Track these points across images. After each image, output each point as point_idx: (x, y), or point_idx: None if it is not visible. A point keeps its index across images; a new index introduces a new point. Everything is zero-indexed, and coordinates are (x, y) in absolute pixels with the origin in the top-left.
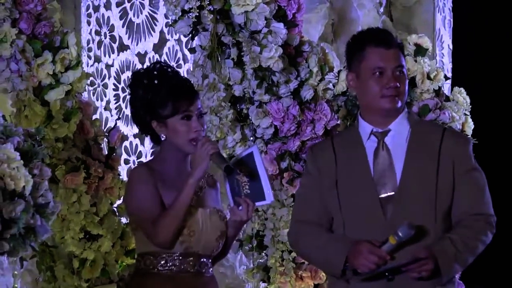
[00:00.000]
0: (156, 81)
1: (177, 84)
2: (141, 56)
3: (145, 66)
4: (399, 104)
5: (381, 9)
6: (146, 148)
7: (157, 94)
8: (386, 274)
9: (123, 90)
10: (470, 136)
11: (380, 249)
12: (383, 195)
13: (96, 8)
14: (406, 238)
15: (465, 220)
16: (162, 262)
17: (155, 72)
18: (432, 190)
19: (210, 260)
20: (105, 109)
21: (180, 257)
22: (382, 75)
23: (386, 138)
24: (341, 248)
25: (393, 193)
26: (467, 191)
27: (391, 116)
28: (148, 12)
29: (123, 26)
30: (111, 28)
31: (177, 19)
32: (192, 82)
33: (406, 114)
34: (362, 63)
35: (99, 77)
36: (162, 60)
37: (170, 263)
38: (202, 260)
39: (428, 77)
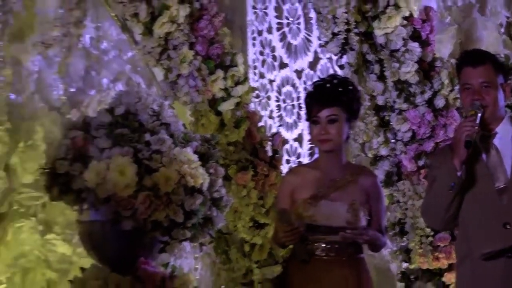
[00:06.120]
0: (310, 88)
1: (314, 92)
2: (298, 73)
3: (301, 82)
4: (487, 112)
5: (502, 30)
6: (304, 150)
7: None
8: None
9: (284, 102)
10: None
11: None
12: (498, 187)
13: (260, 33)
14: (478, 110)
15: None
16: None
17: (317, 81)
18: None
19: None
20: (269, 117)
21: (323, 245)
22: (470, 90)
23: (495, 140)
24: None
25: (505, 185)
26: None
27: (487, 122)
28: (304, 35)
29: (282, 47)
30: (273, 49)
31: (328, 40)
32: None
33: (509, 119)
34: (460, 80)
35: (263, 91)
36: (316, 76)
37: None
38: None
39: None
